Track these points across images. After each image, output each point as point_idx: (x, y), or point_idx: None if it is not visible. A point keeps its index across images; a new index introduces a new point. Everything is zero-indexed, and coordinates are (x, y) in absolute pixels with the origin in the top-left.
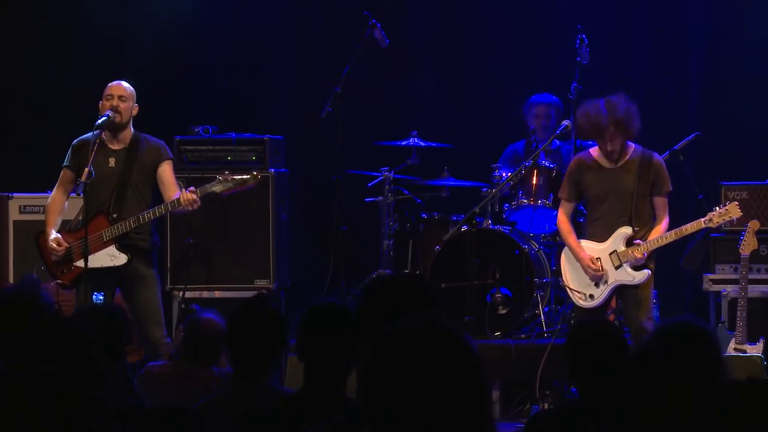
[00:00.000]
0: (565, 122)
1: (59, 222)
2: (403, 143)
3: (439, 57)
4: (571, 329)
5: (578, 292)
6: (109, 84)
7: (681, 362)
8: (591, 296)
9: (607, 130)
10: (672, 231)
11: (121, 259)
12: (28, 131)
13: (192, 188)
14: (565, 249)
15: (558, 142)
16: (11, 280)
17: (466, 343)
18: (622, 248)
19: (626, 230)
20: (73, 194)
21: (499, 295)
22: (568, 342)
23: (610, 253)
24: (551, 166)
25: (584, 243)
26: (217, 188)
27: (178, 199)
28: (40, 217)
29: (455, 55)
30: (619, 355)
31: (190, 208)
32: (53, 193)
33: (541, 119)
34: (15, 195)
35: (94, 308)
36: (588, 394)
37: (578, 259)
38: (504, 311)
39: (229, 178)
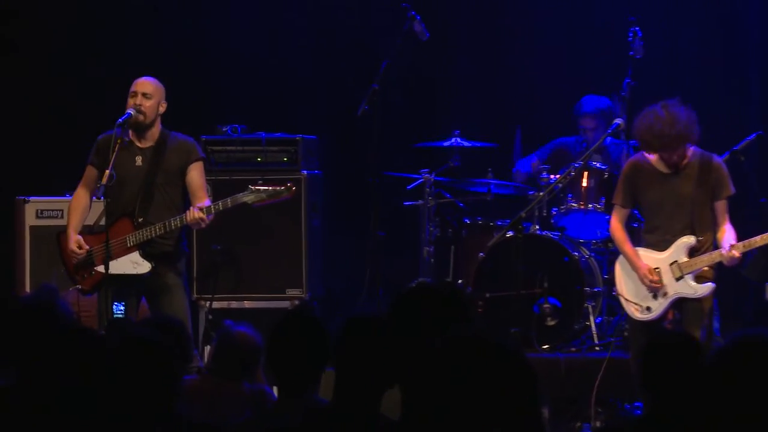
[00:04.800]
0: (618, 121)
1: (82, 223)
2: (445, 143)
3: (482, 50)
4: (649, 340)
5: (635, 304)
6: (136, 80)
7: (757, 375)
8: (648, 308)
9: (672, 144)
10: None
11: (145, 266)
12: (47, 133)
13: (199, 205)
14: (620, 257)
15: (607, 140)
16: (28, 286)
17: (519, 356)
18: (684, 259)
19: (689, 240)
20: (94, 198)
21: (548, 306)
22: (645, 353)
23: (671, 264)
24: (602, 167)
25: (642, 252)
26: (248, 198)
27: (183, 217)
28: (57, 221)
29: (499, 49)
30: (695, 369)
31: (196, 227)
32: (77, 191)
33: (589, 132)
34: (32, 198)
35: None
36: (659, 408)
37: (635, 268)
38: (552, 323)
39: (262, 189)
